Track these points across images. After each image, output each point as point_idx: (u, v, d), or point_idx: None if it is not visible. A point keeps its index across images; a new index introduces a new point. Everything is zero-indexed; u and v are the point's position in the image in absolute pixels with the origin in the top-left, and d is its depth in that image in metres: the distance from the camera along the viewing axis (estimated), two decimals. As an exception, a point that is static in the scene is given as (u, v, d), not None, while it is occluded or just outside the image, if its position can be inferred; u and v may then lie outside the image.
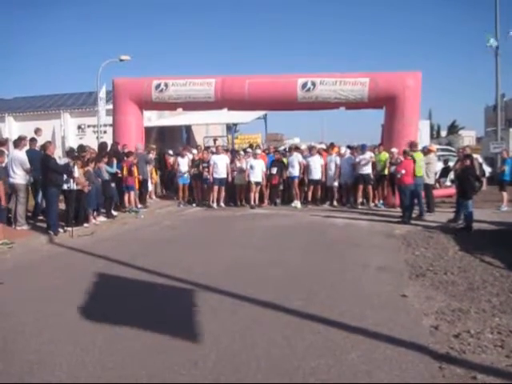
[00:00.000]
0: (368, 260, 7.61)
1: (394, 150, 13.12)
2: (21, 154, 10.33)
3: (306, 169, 14.71)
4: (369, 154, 14.33)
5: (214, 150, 16.31)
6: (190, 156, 15.73)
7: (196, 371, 3.80)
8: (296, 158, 14.80)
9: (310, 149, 15.27)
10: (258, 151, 15.46)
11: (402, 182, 11.43)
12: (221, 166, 14.68)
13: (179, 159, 15.32)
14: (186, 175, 15.19)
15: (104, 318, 5.02)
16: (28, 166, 10.25)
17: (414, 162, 11.66)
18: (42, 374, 3.82)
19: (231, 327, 4.74)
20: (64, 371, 3.86)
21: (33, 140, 11.20)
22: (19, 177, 10.12)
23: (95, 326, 4.85)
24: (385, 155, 13.94)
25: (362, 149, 14.61)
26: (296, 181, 14.73)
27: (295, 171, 14.68)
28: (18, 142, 10.55)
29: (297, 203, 14.64)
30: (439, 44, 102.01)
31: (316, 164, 14.66)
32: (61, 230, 10.04)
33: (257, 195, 14.90)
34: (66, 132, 23.98)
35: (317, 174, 14.62)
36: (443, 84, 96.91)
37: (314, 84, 14.46)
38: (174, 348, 4.24)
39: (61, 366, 3.93)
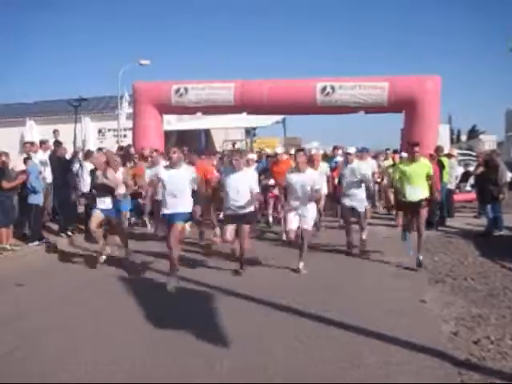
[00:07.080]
0: (386, 265, 7.56)
1: (404, 154, 12.48)
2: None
3: None
4: (372, 162, 12.33)
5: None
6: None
7: (212, 376, 3.82)
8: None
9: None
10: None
11: None
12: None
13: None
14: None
15: (119, 321, 5.11)
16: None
17: (443, 167, 11.44)
18: (57, 375, 3.89)
19: (247, 331, 4.76)
20: (80, 371, 3.93)
21: (57, 143, 11.21)
22: None
23: (110, 328, 4.93)
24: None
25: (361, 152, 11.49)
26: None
27: None
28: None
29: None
30: (458, 48, 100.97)
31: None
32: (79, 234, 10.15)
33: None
34: (87, 136, 24.25)
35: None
36: (463, 88, 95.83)
37: (333, 88, 14.41)
38: (190, 351, 4.28)
39: (77, 366, 4.00)
